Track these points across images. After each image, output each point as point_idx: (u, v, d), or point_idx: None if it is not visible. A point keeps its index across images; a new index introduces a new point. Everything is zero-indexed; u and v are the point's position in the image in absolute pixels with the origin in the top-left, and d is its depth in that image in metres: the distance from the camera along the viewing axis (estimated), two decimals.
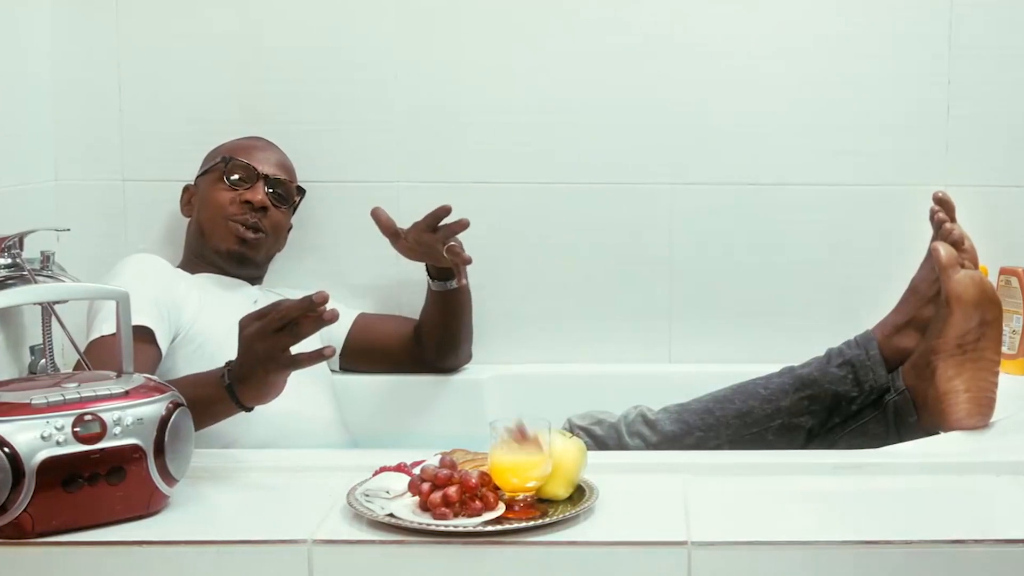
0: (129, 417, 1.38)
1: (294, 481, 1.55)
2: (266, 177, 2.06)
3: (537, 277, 2.26)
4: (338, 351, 2.16)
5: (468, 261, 1.98)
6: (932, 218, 1.88)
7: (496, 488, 1.38)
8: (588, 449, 1.45)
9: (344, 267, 2.24)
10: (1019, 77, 2.20)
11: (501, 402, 2.13)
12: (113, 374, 1.46)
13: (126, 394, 1.40)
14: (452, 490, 1.35)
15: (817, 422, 1.87)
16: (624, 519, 1.39)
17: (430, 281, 2.11)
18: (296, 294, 1.60)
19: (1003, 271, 2.13)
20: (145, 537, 1.35)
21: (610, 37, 2.21)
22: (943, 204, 1.87)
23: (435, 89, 2.22)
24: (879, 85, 2.21)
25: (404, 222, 2.02)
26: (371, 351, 2.18)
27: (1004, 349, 1.91)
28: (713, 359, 2.23)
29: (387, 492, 1.41)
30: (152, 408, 1.40)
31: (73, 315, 1.82)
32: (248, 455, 1.66)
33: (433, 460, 1.44)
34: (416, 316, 2.18)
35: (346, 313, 2.16)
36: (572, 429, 1.89)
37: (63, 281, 1.83)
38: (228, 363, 1.55)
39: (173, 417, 1.41)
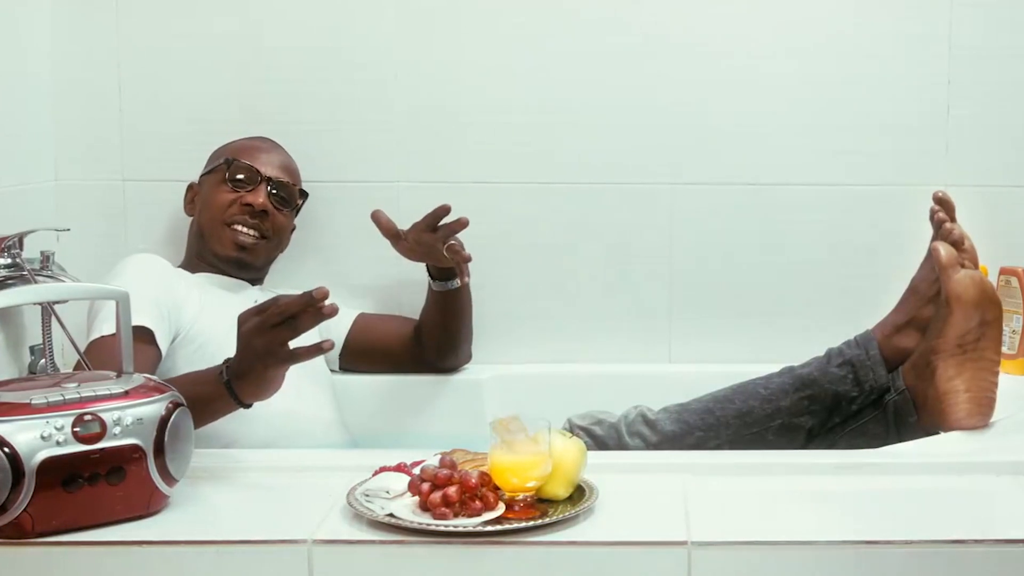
0: (129, 417, 1.38)
1: (294, 481, 1.55)
2: (268, 179, 2.06)
3: (537, 277, 2.26)
4: (338, 351, 2.16)
5: (468, 259, 1.98)
6: (932, 218, 1.88)
7: (496, 488, 1.38)
8: (588, 449, 1.45)
9: (344, 267, 2.24)
10: (1019, 77, 2.20)
11: (501, 402, 2.13)
12: (113, 374, 1.46)
13: (126, 394, 1.40)
14: (452, 490, 1.35)
15: (817, 422, 1.87)
16: (624, 519, 1.39)
17: (431, 281, 2.11)
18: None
19: (1003, 271, 2.13)
20: (145, 537, 1.35)
21: (610, 37, 2.21)
22: (943, 204, 1.87)
23: (435, 89, 2.22)
24: (879, 85, 2.21)
25: (404, 222, 2.03)
26: (371, 351, 2.18)
27: (1004, 349, 1.91)
28: (713, 359, 2.23)
29: (387, 492, 1.41)
30: (152, 408, 1.40)
31: (73, 315, 1.82)
32: (248, 455, 1.66)
33: (433, 460, 1.44)
34: (416, 316, 2.18)
35: (346, 313, 2.16)
36: (572, 429, 1.89)
37: (63, 281, 1.83)
38: (227, 360, 1.55)
39: (173, 417, 1.41)
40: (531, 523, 1.34)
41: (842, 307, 2.21)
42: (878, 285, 2.07)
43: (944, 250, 1.80)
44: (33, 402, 1.34)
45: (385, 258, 2.10)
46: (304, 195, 2.15)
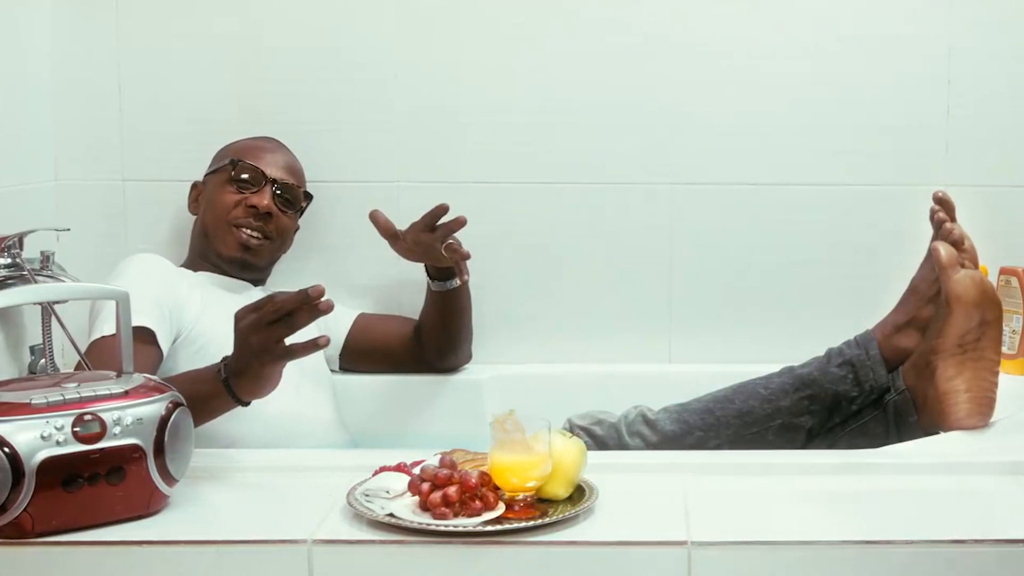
0: (129, 417, 1.38)
1: (294, 481, 1.55)
2: (273, 181, 2.05)
3: (537, 277, 2.26)
4: (338, 351, 2.16)
5: (467, 256, 1.98)
6: (932, 218, 1.88)
7: (496, 488, 1.38)
8: (588, 449, 1.45)
9: (344, 267, 2.24)
10: (1019, 77, 2.20)
11: (501, 402, 2.12)
12: (113, 374, 1.46)
13: (126, 394, 1.40)
14: (452, 490, 1.35)
15: (817, 422, 1.87)
16: (624, 519, 1.39)
17: (430, 281, 2.10)
18: None
19: (1003, 271, 2.13)
20: (145, 537, 1.35)
21: (610, 37, 2.21)
22: (943, 204, 1.87)
23: (435, 89, 2.22)
24: (879, 85, 2.21)
25: (404, 222, 2.02)
26: (371, 351, 2.18)
27: (1004, 349, 1.91)
28: (713, 359, 2.23)
29: (387, 492, 1.41)
30: (152, 408, 1.40)
31: (73, 315, 1.82)
32: (248, 455, 1.66)
33: (433, 460, 1.44)
34: (416, 316, 2.18)
35: (346, 313, 2.16)
36: (572, 429, 1.89)
37: (63, 281, 1.83)
38: (224, 358, 1.55)
39: (173, 417, 1.41)
40: (531, 523, 1.34)
41: (842, 307, 2.21)
42: (878, 285, 2.07)
43: (944, 250, 1.80)
44: (33, 402, 1.34)
45: (385, 258, 2.10)
46: (309, 197, 2.14)
